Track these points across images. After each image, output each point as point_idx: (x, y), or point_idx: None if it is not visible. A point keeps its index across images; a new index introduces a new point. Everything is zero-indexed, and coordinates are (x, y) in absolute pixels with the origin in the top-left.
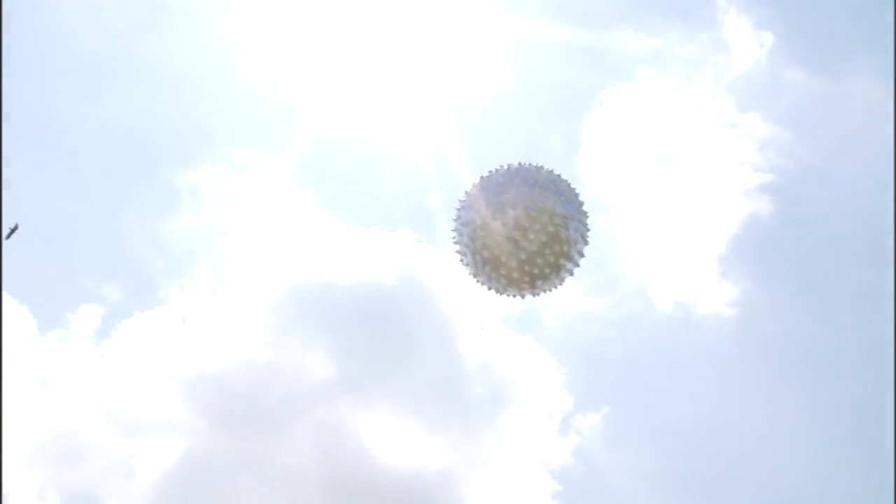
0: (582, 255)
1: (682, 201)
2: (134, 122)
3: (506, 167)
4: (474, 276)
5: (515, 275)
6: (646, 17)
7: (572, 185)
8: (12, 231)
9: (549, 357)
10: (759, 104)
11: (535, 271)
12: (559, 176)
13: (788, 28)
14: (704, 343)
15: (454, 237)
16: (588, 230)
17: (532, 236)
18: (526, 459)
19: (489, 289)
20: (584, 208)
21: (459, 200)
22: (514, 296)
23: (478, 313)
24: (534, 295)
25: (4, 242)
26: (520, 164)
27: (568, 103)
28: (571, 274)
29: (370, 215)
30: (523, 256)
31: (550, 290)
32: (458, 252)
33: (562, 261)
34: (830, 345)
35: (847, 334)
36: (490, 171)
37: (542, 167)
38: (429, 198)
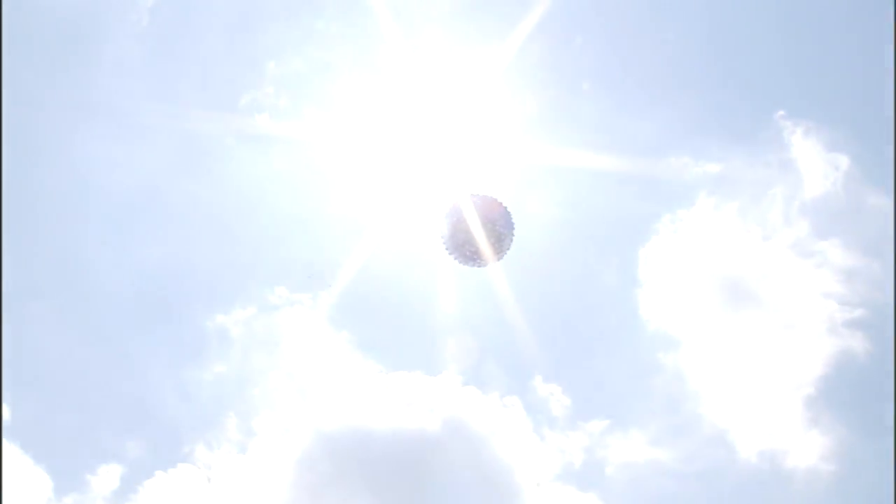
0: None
1: (759, 336)
2: (160, 263)
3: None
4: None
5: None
6: (703, 142)
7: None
8: None
9: None
10: (839, 230)
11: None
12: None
13: (865, 149)
14: (799, 502)
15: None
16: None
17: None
18: None
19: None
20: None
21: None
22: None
23: (533, 466)
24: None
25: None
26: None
27: (621, 235)
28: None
29: (410, 358)
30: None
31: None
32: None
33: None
34: None
35: None
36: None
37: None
38: (474, 338)
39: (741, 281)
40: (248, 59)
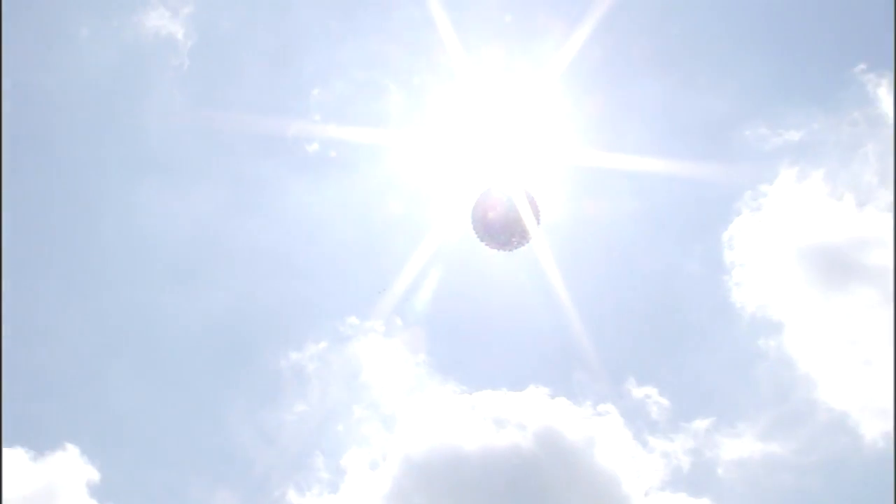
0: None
1: (865, 307)
2: (227, 307)
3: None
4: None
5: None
6: (778, 109)
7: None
8: None
9: None
10: None
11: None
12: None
13: None
14: None
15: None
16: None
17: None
18: None
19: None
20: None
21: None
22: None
23: (637, 475)
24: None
25: None
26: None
27: (701, 220)
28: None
29: (492, 375)
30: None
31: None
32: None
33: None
34: None
35: None
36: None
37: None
38: (557, 347)
39: (839, 252)
40: (291, 89)
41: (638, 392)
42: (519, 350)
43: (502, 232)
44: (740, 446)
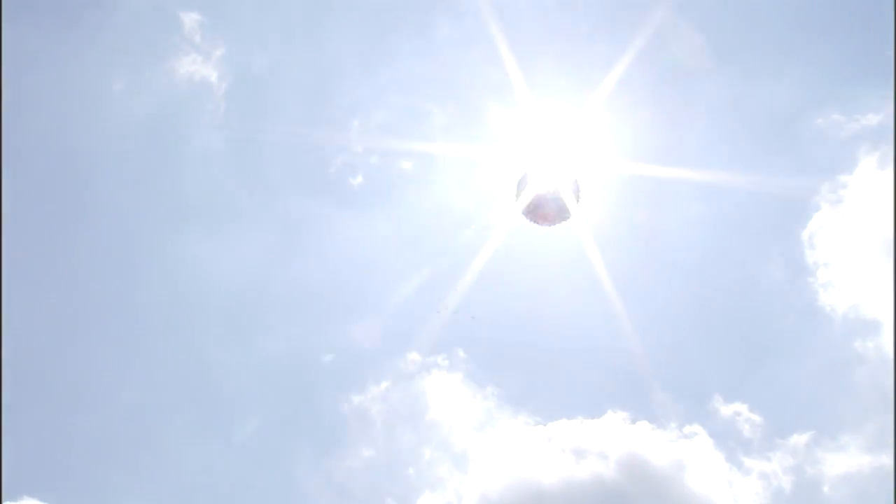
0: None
1: None
2: (282, 354)
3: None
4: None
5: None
6: (853, 92)
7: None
8: None
9: None
10: None
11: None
12: None
13: None
14: None
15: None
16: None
17: None
18: None
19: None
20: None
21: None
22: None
23: (735, 499)
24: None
25: None
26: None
27: (777, 220)
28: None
29: (566, 403)
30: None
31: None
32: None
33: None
34: None
35: None
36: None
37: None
38: (633, 367)
39: None
40: (330, 122)
41: (726, 410)
42: (592, 374)
43: (543, 206)
44: (846, 460)
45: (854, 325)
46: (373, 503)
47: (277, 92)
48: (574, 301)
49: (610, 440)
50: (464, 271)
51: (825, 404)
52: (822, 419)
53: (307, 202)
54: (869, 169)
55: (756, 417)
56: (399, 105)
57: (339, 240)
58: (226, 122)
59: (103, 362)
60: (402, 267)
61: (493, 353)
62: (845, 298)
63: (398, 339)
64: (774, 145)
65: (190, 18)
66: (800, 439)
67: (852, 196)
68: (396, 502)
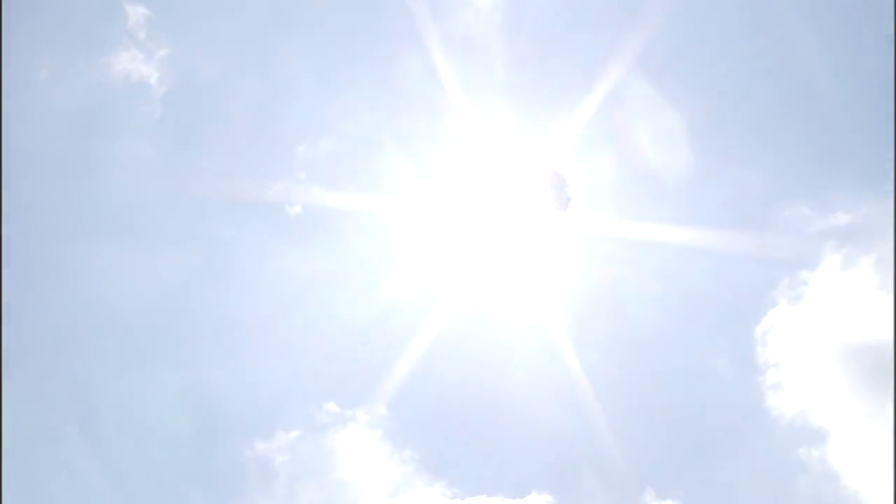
0: None
1: None
2: (187, 389)
3: None
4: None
5: None
6: (824, 188)
7: None
8: None
9: None
10: None
11: None
12: None
13: None
14: None
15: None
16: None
17: None
18: None
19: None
20: None
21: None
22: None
23: None
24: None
25: None
26: None
27: (731, 311)
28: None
29: (488, 478)
30: None
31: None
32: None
33: None
34: None
35: None
36: None
37: None
38: (563, 449)
39: (889, 352)
40: (274, 145)
41: None
42: (521, 450)
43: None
44: None
45: (801, 432)
46: None
47: (221, 104)
48: (511, 371)
49: None
50: (398, 322)
51: None
52: None
53: (238, 226)
54: (832, 268)
55: None
56: (350, 134)
57: (267, 271)
58: (159, 129)
59: None
60: (332, 310)
61: (417, 415)
62: (794, 403)
63: (317, 386)
64: (739, 230)
65: (136, 12)
66: None
67: (812, 295)
68: None
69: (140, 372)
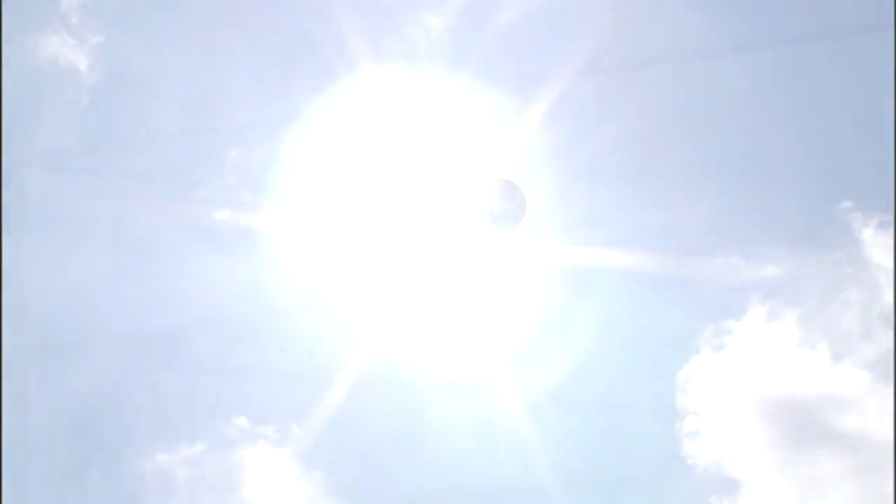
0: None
1: (834, 476)
2: (89, 393)
3: None
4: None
5: None
6: (755, 240)
7: None
8: None
9: None
10: None
11: None
12: None
13: None
14: None
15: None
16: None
17: None
18: None
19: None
20: None
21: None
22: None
23: None
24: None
25: None
26: None
27: (654, 355)
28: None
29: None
30: None
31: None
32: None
33: None
34: None
35: None
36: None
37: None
38: (480, 484)
39: (807, 410)
40: (205, 145)
41: None
42: (435, 483)
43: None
44: None
45: (715, 480)
46: None
47: (154, 98)
48: (436, 399)
49: None
50: (322, 341)
51: None
52: None
53: (159, 227)
54: (757, 319)
55: None
56: (288, 141)
57: (186, 276)
58: (85, 119)
59: None
60: (253, 322)
61: (332, 437)
62: (709, 451)
63: (227, 399)
64: (665, 276)
65: None
66: None
67: (735, 344)
68: None
69: (36, 374)
